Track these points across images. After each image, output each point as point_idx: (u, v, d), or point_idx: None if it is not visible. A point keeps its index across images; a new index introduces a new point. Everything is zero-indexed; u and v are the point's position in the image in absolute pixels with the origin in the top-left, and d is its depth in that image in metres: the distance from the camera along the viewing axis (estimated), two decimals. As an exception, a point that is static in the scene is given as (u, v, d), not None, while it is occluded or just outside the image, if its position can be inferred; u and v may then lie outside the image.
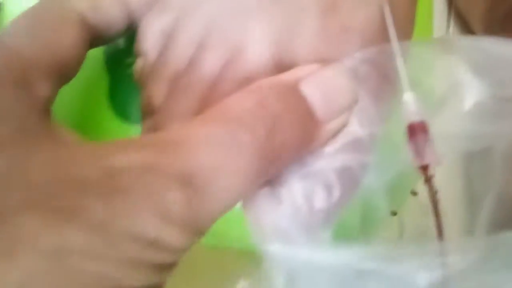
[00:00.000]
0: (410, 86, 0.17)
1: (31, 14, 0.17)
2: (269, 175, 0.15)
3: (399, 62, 0.16)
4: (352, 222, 0.19)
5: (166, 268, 0.13)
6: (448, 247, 0.13)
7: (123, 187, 0.11)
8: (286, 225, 0.16)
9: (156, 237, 0.12)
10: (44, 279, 0.10)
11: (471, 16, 0.48)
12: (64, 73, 0.17)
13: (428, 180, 0.15)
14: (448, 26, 0.53)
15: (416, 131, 0.15)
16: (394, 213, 0.20)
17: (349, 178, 0.17)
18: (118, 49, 0.25)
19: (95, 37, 0.20)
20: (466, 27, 0.51)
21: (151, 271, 0.12)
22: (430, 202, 0.15)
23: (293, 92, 0.15)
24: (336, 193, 0.16)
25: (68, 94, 0.24)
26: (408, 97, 0.16)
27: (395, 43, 0.16)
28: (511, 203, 0.30)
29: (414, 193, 0.20)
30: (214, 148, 0.13)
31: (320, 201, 0.16)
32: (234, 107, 0.14)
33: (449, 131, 0.19)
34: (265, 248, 0.14)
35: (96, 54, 0.25)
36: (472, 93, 0.18)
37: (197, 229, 0.13)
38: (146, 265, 0.12)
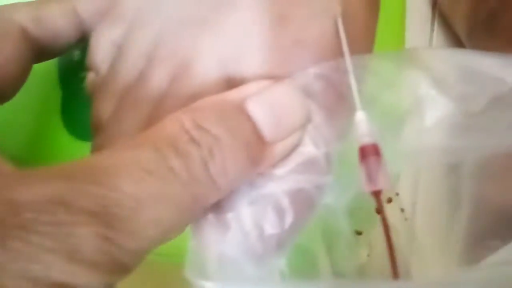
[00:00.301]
0: (369, 102, 0.17)
1: None
2: (209, 202, 0.14)
3: (352, 79, 0.15)
4: (312, 246, 0.19)
5: None
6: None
7: (24, 224, 0.11)
8: (234, 253, 0.15)
9: (63, 279, 0.11)
10: None
11: (455, 17, 0.47)
12: (1, 90, 0.16)
13: (380, 207, 0.14)
14: (432, 29, 0.53)
15: (368, 154, 0.14)
16: (359, 233, 0.19)
17: (303, 200, 0.16)
18: (72, 62, 0.24)
19: (40, 50, 0.20)
20: (450, 29, 0.51)
21: None
22: (384, 233, 0.14)
23: (237, 112, 0.15)
24: (289, 217, 0.16)
25: (20, 109, 0.23)
26: (360, 116, 0.15)
27: (347, 58, 0.15)
28: (489, 216, 0.29)
29: (378, 212, 0.19)
30: (140, 176, 0.12)
31: (271, 226, 0.15)
32: (168, 129, 0.13)
33: (417, 146, 0.19)
34: (200, 285, 0.13)
35: (49, 67, 0.25)
36: (435, 108, 0.17)
37: (116, 267, 0.12)
38: None
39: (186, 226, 0.16)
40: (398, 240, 0.20)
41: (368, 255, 0.21)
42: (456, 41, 0.52)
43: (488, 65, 0.17)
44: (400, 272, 0.15)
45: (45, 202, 0.11)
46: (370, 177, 0.14)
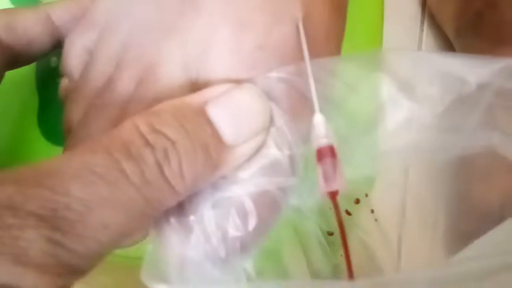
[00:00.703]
0: (335, 106, 0.17)
1: None
2: (166, 205, 0.14)
3: (311, 81, 0.15)
4: (283, 249, 0.19)
5: None
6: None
7: None
8: (196, 256, 0.15)
9: (9, 281, 0.11)
10: None
11: (443, 18, 0.48)
12: None
13: (336, 208, 0.14)
14: (421, 30, 0.53)
15: (324, 156, 0.15)
16: (330, 234, 0.19)
17: (268, 203, 0.16)
18: (49, 68, 0.25)
19: (14, 57, 0.20)
20: (438, 30, 0.52)
21: None
22: (340, 233, 0.14)
23: (197, 115, 0.15)
24: (253, 219, 0.16)
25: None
26: (318, 119, 0.15)
27: (307, 62, 0.16)
28: (473, 214, 0.30)
29: (348, 213, 0.19)
30: (90, 179, 0.12)
31: (234, 229, 0.16)
32: (124, 132, 0.14)
33: (385, 148, 0.19)
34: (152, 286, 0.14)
35: (27, 73, 0.25)
36: (400, 110, 0.17)
37: (66, 270, 0.12)
38: None
39: (144, 230, 0.16)
40: (369, 240, 0.20)
41: (341, 255, 0.21)
42: (445, 41, 0.53)
43: (451, 66, 0.17)
44: (372, 269, 0.15)
45: None
46: (327, 178, 0.14)
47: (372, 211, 0.20)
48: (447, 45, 0.52)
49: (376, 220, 0.20)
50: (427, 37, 0.52)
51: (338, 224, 0.14)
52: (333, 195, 0.14)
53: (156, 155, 0.13)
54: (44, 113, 0.24)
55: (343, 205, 0.20)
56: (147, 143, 0.13)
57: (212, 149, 0.15)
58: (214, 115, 0.15)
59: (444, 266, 0.12)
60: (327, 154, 0.15)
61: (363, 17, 0.25)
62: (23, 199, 0.11)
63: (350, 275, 0.14)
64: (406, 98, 0.17)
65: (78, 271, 0.12)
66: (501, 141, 0.19)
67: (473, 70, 0.17)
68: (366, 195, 0.20)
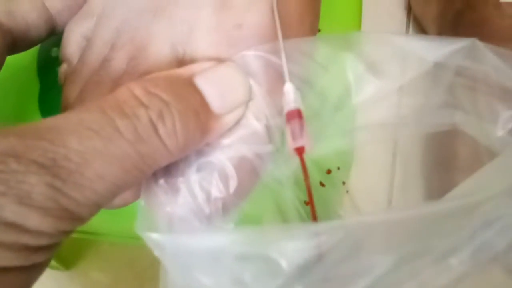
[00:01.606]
0: (307, 84, 0.19)
1: None
2: (158, 162, 0.16)
3: (283, 57, 0.17)
4: (263, 215, 0.21)
5: (37, 250, 0.14)
6: (319, 229, 0.14)
7: None
8: (183, 214, 0.17)
9: (14, 219, 0.13)
10: None
11: (426, 20, 0.50)
12: None
13: (302, 160, 0.16)
14: (407, 32, 0.56)
15: (293, 117, 0.17)
16: (307, 203, 0.21)
17: (247, 168, 0.18)
18: (50, 57, 0.27)
19: (13, 41, 0.22)
20: (423, 31, 0.54)
21: (14, 253, 0.13)
22: (305, 183, 0.16)
23: (187, 84, 0.17)
24: (233, 182, 0.18)
25: (0, 99, 0.26)
26: (288, 87, 0.17)
27: (280, 40, 0.18)
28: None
29: (322, 185, 0.21)
30: (85, 135, 0.14)
31: (216, 190, 0.18)
32: (119, 94, 0.16)
33: (355, 123, 0.21)
34: (147, 236, 0.15)
35: (29, 61, 0.27)
36: (367, 87, 0.20)
37: (67, 214, 0.14)
38: (7, 247, 0.13)
39: (136, 189, 0.18)
40: (341, 210, 0.22)
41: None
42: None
43: (412, 46, 0.19)
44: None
45: (1, 152, 0.13)
46: (294, 136, 0.16)
47: (344, 183, 0.22)
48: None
49: (347, 191, 0.22)
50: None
51: (304, 174, 0.16)
52: (299, 151, 0.16)
53: (150, 114, 0.15)
54: (45, 97, 0.26)
55: (316, 176, 0.22)
56: (142, 103, 0.15)
57: (201, 115, 0.17)
58: (202, 86, 0.17)
59: (402, 208, 0.14)
60: (294, 116, 0.17)
61: (342, 5, 0.27)
62: (25, 149, 0.13)
63: (314, 218, 0.16)
64: (372, 76, 0.19)
65: (77, 218, 0.14)
66: (462, 119, 0.21)
67: (431, 50, 0.19)
68: (338, 168, 0.22)
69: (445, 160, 0.36)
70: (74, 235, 0.30)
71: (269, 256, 0.13)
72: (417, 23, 0.55)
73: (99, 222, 0.28)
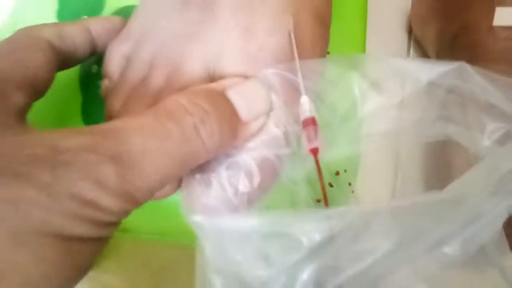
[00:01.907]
0: (318, 98, 0.23)
1: (7, 42, 0.22)
2: (199, 159, 0.19)
3: (299, 75, 0.21)
4: (281, 209, 0.24)
5: (105, 225, 0.17)
6: (331, 213, 0.17)
7: (65, 161, 0.16)
8: (214, 204, 0.21)
9: (92, 199, 0.16)
10: (2, 221, 0.15)
11: (425, 42, 0.54)
12: (35, 88, 0.22)
13: (316, 159, 0.20)
14: (408, 53, 0.60)
15: (308, 124, 0.20)
16: (318, 201, 0.24)
17: (268, 167, 0.22)
18: (91, 73, 0.31)
19: (62, 60, 0.25)
20: (423, 52, 0.58)
21: (89, 225, 0.16)
22: (318, 176, 0.19)
23: (221, 96, 0.20)
24: (257, 179, 0.21)
25: (46, 110, 0.29)
26: (304, 99, 0.21)
27: (297, 61, 0.21)
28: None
29: (330, 185, 0.25)
30: (143, 135, 0.18)
31: (242, 185, 0.21)
32: (168, 104, 0.19)
33: (361, 133, 0.24)
34: (191, 218, 0.19)
35: (72, 77, 0.31)
36: (370, 102, 0.23)
37: (130, 198, 0.17)
38: (85, 220, 0.16)
39: (177, 182, 0.21)
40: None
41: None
42: (429, 63, 0.58)
43: (408, 67, 0.22)
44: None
45: (79, 147, 0.16)
46: (309, 139, 0.20)
47: (350, 184, 0.25)
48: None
49: (353, 192, 0.25)
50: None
51: (318, 170, 0.19)
52: (314, 151, 0.20)
53: (194, 120, 0.19)
54: (87, 109, 0.30)
55: (326, 178, 0.25)
56: (187, 111, 0.19)
57: (232, 122, 0.20)
58: (233, 98, 0.21)
59: (401, 199, 0.17)
60: (310, 122, 0.20)
61: (348, 30, 0.31)
62: (100, 145, 0.17)
63: (326, 203, 0.19)
64: (375, 92, 0.23)
65: (136, 201, 0.18)
66: (454, 131, 0.25)
67: (425, 70, 0.22)
68: (345, 171, 0.25)
69: (441, 167, 0.39)
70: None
71: (291, 234, 0.17)
72: (418, 45, 0.58)
73: (129, 219, 0.32)
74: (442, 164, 0.38)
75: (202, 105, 0.19)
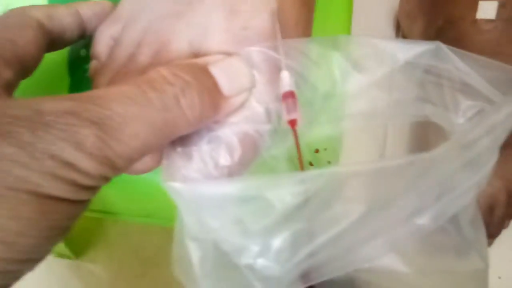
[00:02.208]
0: (300, 77, 0.23)
1: None
2: (179, 129, 0.20)
3: (281, 52, 0.22)
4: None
5: (83, 189, 0.17)
6: (304, 177, 0.18)
7: (47, 122, 0.16)
8: (195, 176, 0.21)
9: (71, 160, 0.16)
10: None
11: (412, 37, 0.55)
12: (23, 64, 0.22)
13: (294, 130, 0.20)
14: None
15: (287, 96, 0.21)
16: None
17: (249, 142, 0.22)
18: (80, 57, 0.31)
19: (51, 40, 0.26)
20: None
21: (67, 186, 0.17)
22: (295, 144, 0.20)
23: (203, 69, 0.21)
24: (237, 153, 0.22)
25: (33, 92, 0.30)
26: (284, 74, 0.21)
27: (279, 40, 0.22)
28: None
29: (311, 164, 0.25)
30: (124, 102, 0.18)
31: (223, 159, 0.21)
32: (150, 75, 0.20)
33: (345, 111, 0.25)
34: (169, 185, 0.19)
35: (60, 60, 0.31)
36: (352, 81, 0.23)
37: (109, 163, 0.17)
38: (63, 180, 0.16)
39: (159, 153, 0.22)
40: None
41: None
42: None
43: (387, 47, 0.23)
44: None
45: (61, 111, 0.17)
46: (288, 111, 0.20)
47: (329, 162, 0.26)
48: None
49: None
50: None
51: (295, 140, 0.20)
52: (292, 123, 0.20)
53: (175, 90, 0.19)
54: (74, 91, 0.30)
55: (307, 156, 0.26)
56: (168, 81, 0.19)
57: (214, 95, 0.20)
58: (215, 72, 0.21)
59: (377, 161, 0.18)
60: (289, 95, 0.21)
61: (333, 22, 0.31)
62: (80, 109, 0.17)
63: (301, 168, 0.19)
64: (355, 71, 0.23)
65: (115, 167, 0.18)
66: (432, 111, 0.25)
67: (403, 50, 0.23)
68: (325, 149, 0.25)
69: (421, 147, 0.40)
70: (95, 215, 0.33)
71: (264, 198, 0.17)
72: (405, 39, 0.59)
73: (115, 201, 0.32)
74: (421, 144, 0.38)
75: (183, 76, 0.20)
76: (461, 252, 0.22)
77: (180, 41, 0.24)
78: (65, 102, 0.17)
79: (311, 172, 0.17)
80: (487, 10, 0.44)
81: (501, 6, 0.43)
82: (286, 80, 0.21)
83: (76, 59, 0.31)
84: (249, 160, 0.22)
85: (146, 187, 0.29)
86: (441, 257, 0.22)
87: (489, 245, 0.44)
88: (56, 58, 0.31)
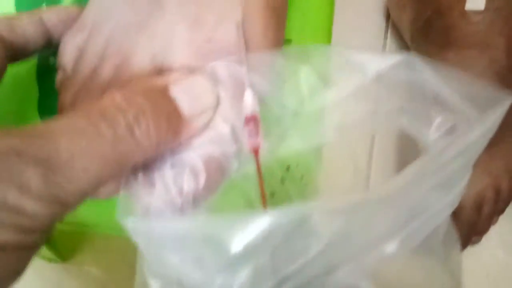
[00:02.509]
0: (268, 95, 0.22)
1: None
2: (135, 159, 0.19)
3: (245, 69, 0.20)
4: (235, 207, 0.24)
5: (32, 231, 0.16)
6: (265, 215, 0.17)
7: None
8: (158, 205, 0.20)
9: (15, 204, 0.16)
10: None
11: (401, 26, 0.53)
12: None
13: (256, 157, 0.19)
14: (385, 37, 0.59)
15: (250, 120, 0.20)
16: (272, 195, 0.24)
17: (214, 165, 0.21)
18: (48, 65, 0.30)
19: (14, 51, 0.25)
20: (399, 37, 0.57)
21: (12, 232, 0.16)
22: (257, 176, 0.19)
23: (161, 92, 0.20)
24: (202, 178, 0.21)
25: (2, 103, 0.29)
26: (247, 94, 0.20)
27: (243, 54, 0.20)
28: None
29: (283, 180, 0.24)
30: (73, 136, 0.17)
31: (187, 185, 0.20)
32: (102, 102, 0.18)
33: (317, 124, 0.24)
34: (124, 222, 0.18)
35: (29, 69, 0.30)
36: (319, 94, 0.22)
37: (58, 201, 0.17)
38: (11, 226, 0.16)
39: (117, 183, 0.21)
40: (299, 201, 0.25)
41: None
42: (405, 46, 0.58)
43: (357, 59, 0.22)
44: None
45: (3, 150, 0.16)
46: (250, 137, 0.19)
47: (302, 177, 0.25)
48: (406, 49, 0.57)
49: (305, 185, 0.25)
50: (391, 43, 0.58)
51: (257, 169, 0.19)
52: (255, 149, 0.19)
53: (128, 118, 0.18)
54: (43, 102, 0.29)
55: (279, 172, 0.25)
56: (120, 108, 0.18)
57: (174, 120, 0.19)
58: (175, 94, 0.20)
59: (343, 197, 0.17)
60: (251, 120, 0.20)
61: (313, 17, 0.30)
62: (25, 146, 0.16)
63: (264, 205, 0.18)
64: (324, 85, 0.22)
65: (66, 204, 0.17)
66: (407, 124, 0.24)
67: (374, 62, 0.22)
68: (297, 165, 0.24)
69: (408, 155, 0.39)
70: (71, 228, 0.33)
71: (222, 238, 0.16)
72: (395, 30, 0.58)
73: (92, 214, 0.31)
74: (405, 159, 0.37)
75: (139, 102, 0.19)
76: (432, 273, 0.21)
77: (142, 55, 0.22)
78: (10, 139, 0.16)
79: (272, 212, 0.16)
80: (476, 1, 0.42)
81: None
82: (249, 102, 0.20)
83: (44, 68, 0.30)
84: (216, 184, 0.21)
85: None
86: (411, 277, 0.21)
87: (477, 242, 0.44)
88: (23, 68, 0.30)
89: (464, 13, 0.43)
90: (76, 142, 0.17)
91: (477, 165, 0.46)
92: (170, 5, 0.22)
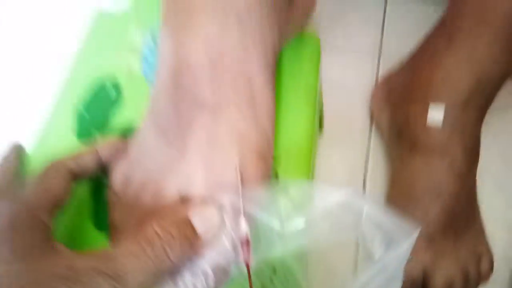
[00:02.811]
0: (258, 217, 0.31)
1: (39, 175, 0.32)
2: (167, 270, 0.28)
3: (240, 203, 0.30)
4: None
5: None
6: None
7: (77, 277, 0.25)
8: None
9: None
10: None
11: (381, 126, 0.63)
12: (57, 204, 0.31)
13: (248, 270, 0.28)
14: (369, 138, 0.68)
15: (243, 243, 0.29)
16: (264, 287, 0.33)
17: (220, 270, 0.30)
18: (101, 184, 0.40)
19: (76, 177, 0.35)
20: (381, 138, 0.66)
21: None
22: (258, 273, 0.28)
23: (185, 223, 0.29)
24: (211, 280, 0.30)
25: (65, 217, 0.39)
26: (241, 221, 0.30)
27: (240, 193, 0.30)
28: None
29: (271, 279, 0.33)
30: (130, 258, 0.26)
31: (201, 285, 0.29)
32: (147, 232, 0.28)
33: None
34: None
35: (84, 187, 0.40)
36: (294, 222, 0.31)
37: None
38: None
39: (155, 283, 0.30)
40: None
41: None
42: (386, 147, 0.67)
43: (319, 191, 0.31)
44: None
45: (87, 268, 0.25)
46: (244, 254, 0.28)
47: (287, 279, 0.33)
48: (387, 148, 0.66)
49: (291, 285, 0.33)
50: (374, 147, 0.67)
51: (248, 277, 0.28)
52: (247, 263, 0.28)
53: (163, 243, 0.28)
54: (97, 213, 0.39)
55: (267, 273, 0.34)
56: (158, 235, 0.28)
57: (192, 239, 0.29)
58: (195, 221, 0.30)
59: None
60: (244, 241, 0.29)
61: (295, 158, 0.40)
62: (103, 267, 0.26)
63: None
64: (296, 212, 0.31)
65: None
66: (362, 241, 0.33)
67: (323, 197, 0.31)
68: (282, 268, 0.33)
69: None
70: None
71: None
72: (378, 132, 0.67)
73: None
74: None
75: (169, 230, 0.28)
76: None
77: (170, 189, 0.33)
78: (91, 262, 0.26)
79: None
80: (434, 119, 0.51)
81: (446, 116, 0.51)
82: (243, 227, 0.30)
83: (98, 186, 0.40)
84: (221, 283, 0.30)
85: None
86: None
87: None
88: (81, 186, 0.40)
89: (425, 127, 0.52)
90: (133, 262, 0.26)
91: (444, 251, 0.54)
92: (191, 154, 0.33)
